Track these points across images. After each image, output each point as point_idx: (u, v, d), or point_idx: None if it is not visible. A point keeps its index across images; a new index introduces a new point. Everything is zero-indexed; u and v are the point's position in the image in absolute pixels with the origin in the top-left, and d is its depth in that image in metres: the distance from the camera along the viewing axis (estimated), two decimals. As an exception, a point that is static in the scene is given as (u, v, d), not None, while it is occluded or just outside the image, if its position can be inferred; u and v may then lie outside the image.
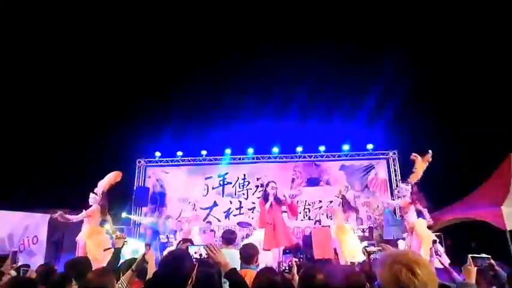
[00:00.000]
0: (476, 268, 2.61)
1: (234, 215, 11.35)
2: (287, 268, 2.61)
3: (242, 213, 11.35)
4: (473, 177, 9.41)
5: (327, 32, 10.51)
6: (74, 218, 6.65)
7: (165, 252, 2.53)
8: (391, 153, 11.00)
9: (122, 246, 3.49)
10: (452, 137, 10.34)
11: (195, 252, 2.06)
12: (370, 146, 10.94)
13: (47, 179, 9.06)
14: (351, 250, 6.62)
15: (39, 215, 7.61)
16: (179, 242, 2.92)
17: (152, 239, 9.45)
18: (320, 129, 11.10)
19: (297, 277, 2.56)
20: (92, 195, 6.85)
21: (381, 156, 11.11)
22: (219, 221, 11.22)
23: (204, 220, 11.13)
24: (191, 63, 11.21)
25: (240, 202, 11.49)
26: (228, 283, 2.02)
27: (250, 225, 10.46)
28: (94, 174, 7.55)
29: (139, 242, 8.07)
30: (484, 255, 2.69)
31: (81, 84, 10.46)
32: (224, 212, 11.38)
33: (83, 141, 10.13)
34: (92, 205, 6.76)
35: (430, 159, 6.93)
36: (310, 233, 8.85)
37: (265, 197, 6.11)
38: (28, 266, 3.15)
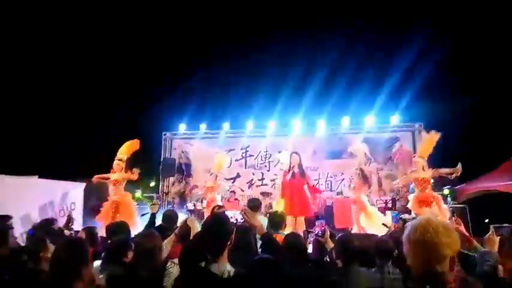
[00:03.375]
0: (498, 238, 2.66)
1: (257, 186, 11.65)
2: (320, 233, 2.75)
3: (265, 184, 11.61)
4: (499, 151, 9.17)
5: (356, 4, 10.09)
6: (108, 176, 7.06)
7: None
8: (417, 126, 10.75)
9: (157, 212, 3.75)
10: (479, 110, 9.98)
11: (231, 217, 2.23)
12: (395, 118, 10.71)
13: (79, 152, 9.60)
14: (370, 223, 6.72)
15: (76, 183, 8.12)
16: (214, 207, 3.11)
17: (180, 207, 9.94)
18: (344, 101, 10.95)
19: (329, 241, 2.71)
20: (116, 161, 7.11)
21: (406, 129, 10.89)
22: (242, 190, 11.57)
23: (228, 190, 11.51)
24: (214, 37, 11.16)
25: (262, 174, 11.73)
26: (259, 244, 2.19)
27: (272, 194, 10.78)
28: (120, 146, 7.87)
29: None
30: (506, 224, 2.71)
31: (109, 61, 10.71)
32: (247, 183, 11.69)
33: (113, 116, 10.52)
34: (115, 171, 7.03)
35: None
36: (332, 203, 9.01)
37: (289, 168, 6.19)
38: (95, 227, 3.48)
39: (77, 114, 10.22)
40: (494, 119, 9.52)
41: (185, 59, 11.39)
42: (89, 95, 10.64)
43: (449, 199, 9.27)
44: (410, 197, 6.95)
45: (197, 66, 11.49)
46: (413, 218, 2.40)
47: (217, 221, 1.89)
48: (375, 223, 6.50)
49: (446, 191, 9.46)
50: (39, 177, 7.35)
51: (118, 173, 6.99)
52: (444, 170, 6.68)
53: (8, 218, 4.29)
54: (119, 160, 7.11)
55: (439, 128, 10.60)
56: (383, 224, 5.84)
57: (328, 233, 2.76)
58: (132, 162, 7.44)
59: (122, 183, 7.02)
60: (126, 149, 7.33)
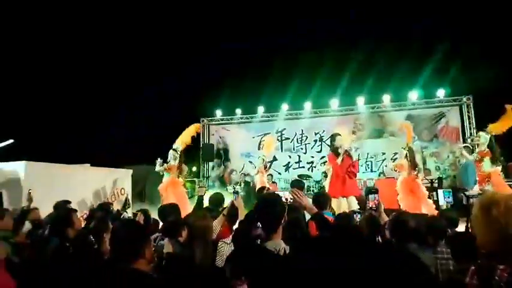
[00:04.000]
0: None
1: (294, 169, 11.64)
2: (374, 207, 2.72)
3: (302, 167, 11.57)
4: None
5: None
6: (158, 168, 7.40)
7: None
8: (465, 99, 10.04)
9: (204, 194, 3.89)
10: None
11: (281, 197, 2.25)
12: (441, 92, 10.05)
13: (126, 140, 10.12)
14: (413, 205, 6.45)
15: (124, 170, 8.60)
16: (261, 188, 3.17)
17: (220, 190, 10.21)
18: (383, 79, 10.44)
19: (384, 215, 2.67)
20: (171, 151, 7.40)
21: (454, 103, 10.21)
22: (279, 174, 11.62)
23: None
24: (249, 20, 11.05)
25: (299, 156, 11.67)
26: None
27: (311, 177, 10.70)
28: (165, 133, 8.19)
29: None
30: None
31: (147, 49, 11.02)
32: (284, 166, 11.71)
33: (153, 105, 10.91)
34: (170, 161, 7.35)
35: None
36: (374, 185, 8.79)
37: (333, 151, 6.06)
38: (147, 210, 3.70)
39: (121, 105, 10.74)
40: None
41: (220, 44, 11.43)
42: (132, 85, 11.10)
43: (501, 176, 8.69)
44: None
45: (232, 51, 11.49)
46: (479, 194, 2.27)
47: (271, 200, 1.92)
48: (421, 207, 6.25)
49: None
50: (91, 165, 7.87)
51: (169, 164, 7.30)
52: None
53: (67, 202, 4.67)
54: (174, 150, 7.39)
55: (490, 101, 9.87)
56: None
57: (383, 207, 2.72)
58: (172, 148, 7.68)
59: (174, 172, 7.33)
60: (186, 137, 7.60)
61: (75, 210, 3.30)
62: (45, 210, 4.72)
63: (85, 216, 4.81)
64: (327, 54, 10.78)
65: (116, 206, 6.95)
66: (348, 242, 1.79)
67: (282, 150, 11.84)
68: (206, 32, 11.34)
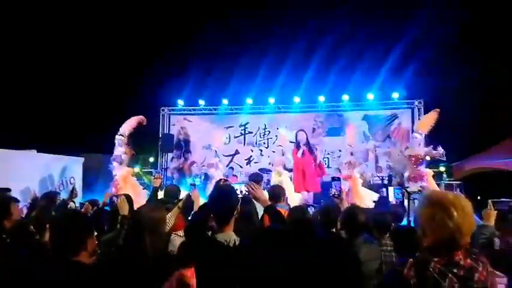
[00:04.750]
0: (496, 212, 2.73)
1: (255, 162, 11.73)
2: (336, 194, 2.81)
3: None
4: (499, 129, 9.24)
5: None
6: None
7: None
8: (416, 103, 10.73)
9: (159, 185, 3.79)
10: (480, 87, 9.97)
11: (235, 189, 2.25)
12: (395, 95, 10.66)
13: (78, 127, 9.53)
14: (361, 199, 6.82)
15: (74, 158, 8.13)
16: (219, 180, 3.15)
17: (179, 182, 10.03)
18: (343, 78, 10.82)
19: (345, 202, 2.77)
20: (118, 136, 6.94)
21: (406, 106, 10.87)
22: (241, 167, 11.65)
23: (226, 166, 11.59)
24: (214, 9, 10.84)
25: (261, 151, 11.77)
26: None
27: (271, 171, 10.83)
28: (120, 122, 7.81)
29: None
30: (504, 199, 2.78)
31: (105, 34, 10.43)
32: (245, 160, 11.75)
33: (110, 91, 10.38)
34: (117, 147, 6.94)
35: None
36: (333, 178, 9.08)
37: (297, 145, 6.29)
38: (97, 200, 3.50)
39: (74, 89, 10.08)
40: (494, 97, 9.52)
41: (184, 32, 11.11)
42: (86, 68, 10.45)
43: (444, 176, 9.43)
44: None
45: (196, 40, 11.23)
46: (419, 191, 2.44)
47: (224, 192, 1.91)
48: (364, 200, 6.59)
49: (442, 168, 9.61)
50: (38, 151, 7.34)
51: (120, 149, 6.92)
52: (432, 154, 6.67)
53: (7, 190, 4.32)
54: (121, 135, 6.96)
55: (439, 105, 10.62)
56: (374, 201, 5.97)
57: (344, 193, 2.82)
58: (130, 137, 7.37)
59: (126, 160, 6.99)
60: (130, 124, 7.16)
61: (15, 200, 3.06)
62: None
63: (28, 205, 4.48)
64: (291, 52, 10.94)
65: (64, 196, 6.57)
66: (295, 235, 1.84)
67: (244, 144, 11.86)
68: (170, 19, 10.96)
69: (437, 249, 1.46)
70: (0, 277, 2.17)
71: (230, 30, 11.19)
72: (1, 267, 2.32)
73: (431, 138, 9.66)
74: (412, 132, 9.91)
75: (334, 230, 2.79)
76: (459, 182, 8.64)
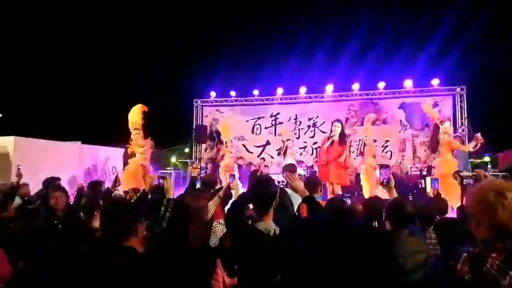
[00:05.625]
0: None
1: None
2: (385, 181, 2.72)
3: (295, 152, 11.61)
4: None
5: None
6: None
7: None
8: (458, 89, 10.09)
9: (197, 175, 3.89)
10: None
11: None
12: (435, 81, 10.08)
13: (118, 119, 9.93)
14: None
15: (116, 149, 8.52)
16: (253, 171, 3.19)
17: (212, 171, 10.24)
18: (379, 65, 10.39)
19: (394, 191, 2.69)
20: (135, 131, 6.96)
21: (447, 93, 10.26)
22: (272, 158, 11.66)
23: (258, 157, 11.66)
24: (244, 1, 10.79)
25: (292, 141, 11.68)
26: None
27: (303, 162, 10.76)
28: (159, 114, 8.05)
29: None
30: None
31: (140, 28, 10.74)
32: (277, 150, 11.74)
33: (146, 84, 10.72)
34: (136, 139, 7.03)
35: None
36: (381, 166, 8.84)
37: (328, 137, 6.23)
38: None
39: (114, 84, 10.53)
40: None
41: (215, 26, 11.18)
42: (125, 64, 10.86)
43: (489, 166, 8.88)
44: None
45: (227, 33, 11.27)
46: (473, 175, 2.28)
47: (264, 182, 1.93)
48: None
49: (486, 158, 9.06)
50: (82, 143, 7.78)
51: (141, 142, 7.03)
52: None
53: (57, 179, 4.63)
54: (136, 130, 6.98)
55: (483, 92, 9.94)
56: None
57: (393, 181, 2.73)
58: (166, 129, 7.60)
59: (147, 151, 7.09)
60: (136, 117, 7.12)
61: (62, 189, 3.28)
62: (34, 186, 4.69)
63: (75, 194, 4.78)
64: (324, 40, 10.66)
65: (107, 185, 6.92)
66: (334, 225, 1.82)
67: (275, 135, 11.83)
68: (203, 13, 11.06)
69: (493, 242, 1.37)
70: (57, 263, 2.35)
71: (260, 20, 11.11)
72: (57, 253, 2.51)
73: (477, 127, 9.12)
74: (461, 121, 9.42)
75: (376, 222, 2.72)
76: (505, 173, 8.08)
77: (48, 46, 10.00)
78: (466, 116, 9.81)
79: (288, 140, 8.42)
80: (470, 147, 6.80)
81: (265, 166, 10.67)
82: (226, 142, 8.55)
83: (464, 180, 2.39)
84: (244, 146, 11.91)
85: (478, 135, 6.41)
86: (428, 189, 4.53)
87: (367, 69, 10.49)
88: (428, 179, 5.76)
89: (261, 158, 11.60)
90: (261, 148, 11.93)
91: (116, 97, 10.40)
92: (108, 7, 10.54)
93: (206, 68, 11.49)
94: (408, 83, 10.26)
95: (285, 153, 8.46)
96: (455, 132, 9.42)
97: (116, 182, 4.06)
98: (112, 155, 8.11)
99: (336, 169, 6.22)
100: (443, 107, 10.24)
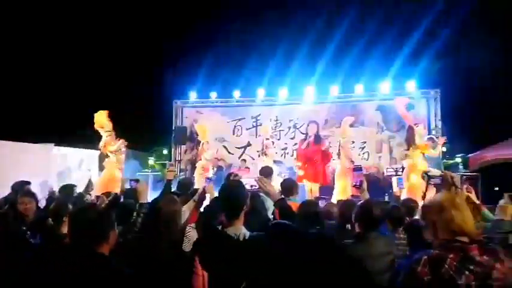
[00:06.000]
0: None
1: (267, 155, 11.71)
2: (358, 183, 2.79)
3: (276, 153, 11.65)
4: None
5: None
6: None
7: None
8: (432, 92, 10.45)
9: (173, 178, 3.83)
10: (498, 76, 9.65)
11: (246, 184, 2.27)
12: (410, 85, 10.40)
13: (91, 119, 9.69)
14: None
15: (90, 151, 8.31)
16: (229, 174, 3.17)
17: (191, 174, 10.15)
18: (357, 68, 10.63)
19: (366, 193, 2.76)
20: (107, 132, 6.89)
21: (422, 96, 10.60)
22: (253, 159, 11.67)
23: (239, 158, 11.64)
24: (223, 3, 10.77)
25: (273, 142, 11.71)
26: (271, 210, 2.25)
27: (282, 163, 10.84)
28: (134, 115, 7.93)
29: None
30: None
31: (120, 26, 10.52)
32: (258, 152, 11.75)
33: (124, 84, 10.51)
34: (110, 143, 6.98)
35: None
36: (354, 168, 9.00)
37: (305, 137, 6.31)
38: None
39: (90, 82, 10.25)
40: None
41: (195, 26, 11.09)
42: (101, 63, 10.59)
43: (460, 167, 9.22)
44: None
45: (207, 33, 11.20)
46: (440, 176, 2.38)
47: (234, 187, 1.93)
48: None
49: (458, 159, 9.40)
50: (56, 145, 7.53)
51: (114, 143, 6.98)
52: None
53: (27, 183, 4.47)
54: (108, 131, 6.91)
55: (455, 95, 10.33)
56: None
57: (366, 184, 2.80)
58: (144, 130, 7.51)
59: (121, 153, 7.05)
60: (103, 120, 7.02)
61: (31, 195, 3.17)
62: (5, 190, 4.52)
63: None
64: (304, 43, 10.80)
65: (82, 189, 6.72)
66: (300, 230, 1.85)
67: (256, 136, 11.85)
68: (182, 12, 10.94)
69: (450, 244, 1.45)
70: (22, 269, 2.27)
71: (242, 22, 11.11)
72: (23, 260, 2.42)
73: (448, 129, 9.46)
74: (435, 123, 9.74)
75: (350, 225, 2.78)
76: (475, 174, 8.43)
77: (17, 44, 9.63)
78: (439, 118, 10.16)
79: (267, 139, 8.32)
80: (437, 152, 7.04)
81: (246, 168, 10.69)
82: (203, 144, 8.55)
83: (432, 180, 2.50)
84: (225, 147, 11.87)
85: (442, 139, 6.67)
86: (395, 189, 4.69)
87: (346, 73, 10.72)
88: (394, 178, 5.96)
89: (242, 160, 11.58)
90: (242, 149, 11.93)
91: (91, 97, 10.14)
92: (83, 4, 10.28)
93: (186, 68, 11.38)
94: (385, 86, 10.54)
95: (264, 153, 8.39)
96: (429, 134, 9.75)
97: (89, 186, 3.96)
98: (87, 157, 7.90)
99: (313, 169, 6.33)
100: (418, 109, 10.58)
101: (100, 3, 10.37)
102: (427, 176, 2.94)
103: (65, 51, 10.20)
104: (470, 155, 9.48)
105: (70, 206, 3.03)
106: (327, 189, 7.05)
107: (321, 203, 4.13)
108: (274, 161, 10.93)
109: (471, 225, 1.49)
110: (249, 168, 10.70)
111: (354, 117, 9.55)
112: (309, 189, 6.35)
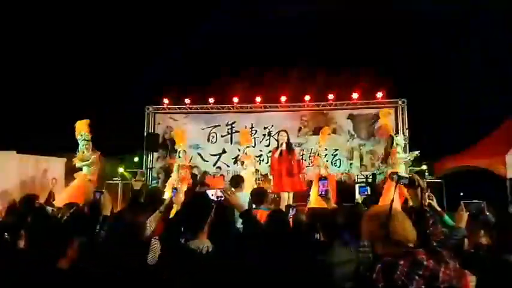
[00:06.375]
0: (467, 213, 2.81)
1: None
2: (323, 193, 2.82)
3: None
4: (481, 127, 9.48)
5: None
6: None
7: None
8: (400, 102, 10.93)
9: (141, 188, 3.75)
10: (462, 86, 10.22)
11: (212, 195, 2.26)
12: (379, 94, 10.83)
13: (57, 125, 9.28)
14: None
15: (55, 158, 7.95)
16: (197, 185, 3.14)
17: (164, 183, 9.94)
18: (329, 78, 10.93)
19: (332, 202, 2.80)
20: (84, 142, 6.76)
21: (390, 105, 11.04)
22: (228, 166, 11.64)
23: (213, 165, 11.57)
24: (196, 7, 10.74)
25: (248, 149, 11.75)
26: (241, 221, 2.26)
27: (258, 170, 10.86)
28: (104, 121, 7.69)
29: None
30: (476, 201, 2.87)
31: (86, 33, 10.22)
32: (233, 159, 11.75)
33: (92, 89, 10.18)
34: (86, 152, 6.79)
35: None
36: (320, 178, 9.17)
37: (277, 146, 6.37)
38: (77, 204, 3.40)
39: (55, 86, 9.83)
40: (477, 96, 9.80)
41: (169, 29, 10.96)
42: (67, 66, 10.20)
43: (426, 174, 9.64)
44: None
45: (181, 38, 11.09)
46: (408, 177, 2.47)
47: (196, 200, 1.93)
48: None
49: (424, 166, 9.81)
50: (18, 152, 7.16)
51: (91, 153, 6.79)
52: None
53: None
54: (86, 141, 6.78)
55: (422, 104, 10.85)
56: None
57: (331, 193, 2.84)
58: (114, 136, 7.31)
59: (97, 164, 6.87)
60: (84, 128, 6.90)
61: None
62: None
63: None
64: (278, 51, 10.96)
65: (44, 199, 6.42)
66: (264, 243, 1.87)
67: (231, 143, 11.85)
68: (158, 15, 10.79)
69: (400, 251, 1.52)
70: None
71: (216, 28, 11.11)
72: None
73: (415, 138, 9.88)
74: (403, 132, 10.17)
75: (318, 233, 2.83)
76: (440, 181, 8.84)
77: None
78: (406, 127, 10.60)
79: (247, 147, 8.01)
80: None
81: (221, 175, 10.63)
82: (179, 152, 7.53)
83: (401, 180, 2.62)
84: (199, 154, 11.76)
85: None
86: (357, 196, 4.84)
87: (318, 82, 10.99)
88: (356, 186, 6.18)
89: (217, 167, 11.53)
90: (217, 157, 11.87)
91: (58, 103, 9.74)
92: (52, 9, 9.91)
93: (159, 73, 11.19)
94: (355, 96, 10.91)
95: (242, 162, 8.00)
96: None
97: (50, 197, 3.79)
98: (52, 165, 7.56)
99: (289, 178, 6.38)
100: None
101: (70, 8, 10.05)
102: (396, 176, 3.04)
103: (30, 54, 9.77)
104: (435, 162, 9.94)
105: (29, 219, 2.89)
106: (301, 198, 7.16)
107: (292, 211, 4.18)
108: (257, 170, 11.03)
109: (411, 233, 1.56)
110: (223, 175, 10.65)
111: (329, 127, 9.88)
112: (285, 198, 6.39)
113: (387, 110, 8.09)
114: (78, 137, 6.82)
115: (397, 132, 10.77)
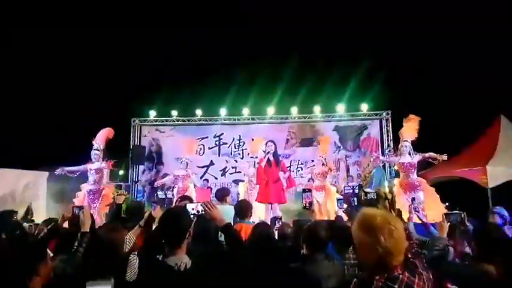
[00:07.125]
0: (448, 224, 2.86)
1: (230, 174, 11.67)
2: (307, 205, 2.82)
3: (239, 172, 11.64)
4: (462, 138, 9.70)
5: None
6: (77, 169, 6.84)
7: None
8: (384, 114, 11.14)
9: (123, 203, 3.67)
10: (444, 98, 10.48)
11: (193, 209, 2.22)
12: (364, 107, 11.03)
13: (40, 139, 9.08)
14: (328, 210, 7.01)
15: (37, 172, 7.75)
16: (177, 199, 3.10)
17: (150, 195, 9.79)
18: (315, 91, 11.11)
19: (316, 214, 2.80)
20: (94, 151, 6.95)
21: (375, 117, 11.26)
22: (215, 178, 11.55)
23: (201, 178, 11.46)
24: (185, 18, 10.82)
25: (236, 161, 11.74)
26: (223, 236, 2.23)
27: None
28: (88, 133, 7.58)
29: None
30: (456, 211, 2.93)
31: (72, 46, 10.15)
32: (220, 171, 11.68)
33: (77, 101, 10.04)
34: (94, 162, 6.88)
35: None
36: (303, 190, 9.19)
37: (264, 156, 6.36)
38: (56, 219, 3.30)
39: (39, 100, 9.67)
40: (459, 107, 10.06)
41: (156, 41, 10.97)
42: (51, 79, 10.06)
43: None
44: (395, 181, 7.20)
45: (168, 50, 11.11)
46: (375, 191, 2.50)
47: (173, 215, 1.89)
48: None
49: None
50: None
51: (97, 163, 6.89)
52: (430, 154, 6.94)
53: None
54: (96, 150, 6.98)
55: (405, 115, 11.07)
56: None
57: (314, 205, 2.86)
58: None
59: (104, 173, 6.89)
60: (103, 137, 7.18)
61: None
62: None
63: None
64: (265, 65, 11.10)
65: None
66: (244, 257, 1.84)
67: (219, 155, 11.80)
68: (145, 27, 10.80)
69: (377, 267, 1.51)
70: None
71: (203, 41, 11.19)
72: None
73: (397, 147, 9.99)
74: (388, 143, 10.34)
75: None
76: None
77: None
78: (391, 138, 10.77)
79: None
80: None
81: (209, 188, 10.52)
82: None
83: (368, 195, 2.65)
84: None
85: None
86: (336, 208, 4.86)
87: (305, 94, 11.16)
88: (334, 198, 6.25)
89: (204, 179, 11.42)
90: (205, 169, 11.77)
91: (41, 114, 9.55)
92: (38, 18, 9.84)
93: (145, 85, 11.15)
94: (340, 108, 11.08)
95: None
96: (382, 153, 10.29)
97: (28, 212, 3.67)
98: (33, 179, 7.36)
99: (276, 189, 6.35)
100: (371, 130, 11.21)
101: (55, 18, 9.98)
102: (363, 192, 3.11)
103: (13, 66, 9.61)
104: (419, 173, 10.05)
105: (3, 236, 2.79)
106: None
107: (278, 224, 4.15)
108: (234, 181, 10.99)
109: (396, 245, 1.54)
110: (211, 187, 10.55)
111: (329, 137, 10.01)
112: (270, 209, 6.36)
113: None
114: (94, 143, 7.09)
115: (381, 144, 10.98)
